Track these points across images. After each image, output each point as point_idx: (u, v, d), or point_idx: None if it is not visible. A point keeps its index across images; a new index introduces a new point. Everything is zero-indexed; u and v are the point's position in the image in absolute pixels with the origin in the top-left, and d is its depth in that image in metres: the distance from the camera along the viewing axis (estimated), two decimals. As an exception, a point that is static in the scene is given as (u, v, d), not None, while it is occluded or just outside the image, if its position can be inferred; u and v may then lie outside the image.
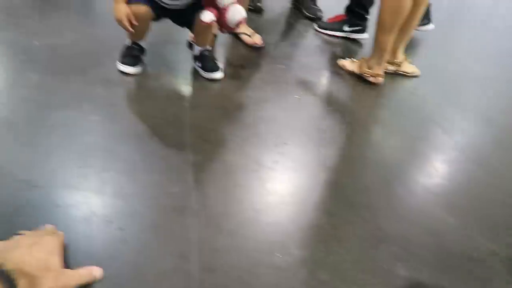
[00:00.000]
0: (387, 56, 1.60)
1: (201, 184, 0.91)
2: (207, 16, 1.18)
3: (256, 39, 1.70)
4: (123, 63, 1.28)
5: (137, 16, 1.16)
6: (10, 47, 1.30)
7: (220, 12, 1.20)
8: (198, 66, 1.40)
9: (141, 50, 1.32)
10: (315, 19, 2.32)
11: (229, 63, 1.56)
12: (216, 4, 1.19)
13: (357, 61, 1.69)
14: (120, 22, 1.15)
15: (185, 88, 1.33)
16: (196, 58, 1.40)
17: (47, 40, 1.38)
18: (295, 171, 1.05)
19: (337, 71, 1.71)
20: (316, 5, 2.39)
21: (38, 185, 0.81)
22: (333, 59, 1.79)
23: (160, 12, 1.24)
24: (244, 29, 1.65)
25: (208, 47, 1.39)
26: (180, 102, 1.22)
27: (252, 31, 1.70)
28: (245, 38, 1.69)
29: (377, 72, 1.61)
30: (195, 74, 1.40)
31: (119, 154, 0.95)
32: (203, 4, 1.21)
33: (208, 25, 1.24)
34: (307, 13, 2.35)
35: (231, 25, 1.22)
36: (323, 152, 1.14)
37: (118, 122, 1.06)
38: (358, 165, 1.13)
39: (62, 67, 1.24)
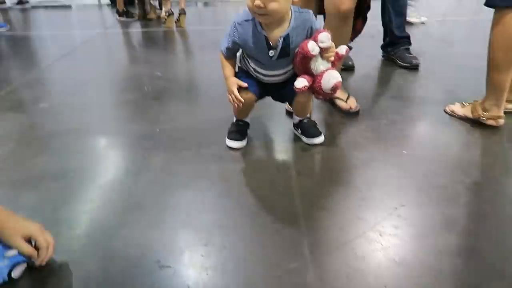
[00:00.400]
0: (505, 95, 1.44)
1: (318, 257, 0.88)
2: (301, 82, 1.19)
3: (351, 103, 1.63)
4: (230, 138, 1.37)
5: (243, 102, 1.25)
6: (136, 136, 1.49)
7: (315, 79, 1.21)
8: (299, 133, 1.42)
9: (246, 124, 1.41)
10: (412, 67, 2.25)
11: (328, 126, 1.56)
12: (311, 72, 1.21)
13: (468, 104, 1.55)
14: (231, 93, 1.25)
15: (290, 156, 1.36)
16: (296, 125, 1.43)
17: (166, 125, 1.56)
18: (421, 237, 0.95)
19: (445, 119, 1.59)
20: (410, 53, 2.32)
21: (167, 265, 0.86)
22: (438, 106, 1.67)
23: (262, 92, 1.32)
24: (338, 94, 1.60)
25: (308, 116, 1.42)
26: (286, 171, 1.24)
27: (347, 95, 1.64)
28: (340, 103, 1.64)
29: (497, 114, 1.45)
30: (297, 140, 1.42)
31: (236, 229, 0.98)
32: (298, 74, 1.25)
33: (305, 96, 1.28)
34: (402, 63, 2.30)
35: (327, 91, 1.21)
36: (448, 212, 1.02)
37: (231, 196, 1.12)
38: (495, 225, 0.98)
39: (179, 149, 1.37)
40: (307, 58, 1.16)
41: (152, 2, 4.50)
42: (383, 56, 2.47)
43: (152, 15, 4.62)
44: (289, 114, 1.54)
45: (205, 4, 6.06)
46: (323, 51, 1.17)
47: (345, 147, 1.40)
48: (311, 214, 1.02)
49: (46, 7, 5.86)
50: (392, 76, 2.22)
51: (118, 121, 1.69)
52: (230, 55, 1.28)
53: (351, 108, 1.62)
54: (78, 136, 1.49)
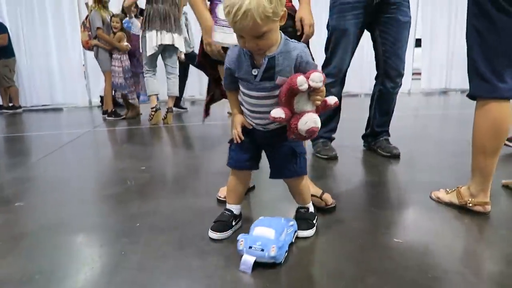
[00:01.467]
0: (491, 179, 1.44)
1: None
2: (277, 112, 1.13)
3: (327, 199, 1.55)
4: (212, 229, 1.31)
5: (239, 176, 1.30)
6: (115, 231, 1.41)
7: (293, 117, 1.15)
8: None
9: (233, 216, 1.35)
10: (393, 156, 2.32)
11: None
12: (293, 108, 1.15)
13: (452, 190, 1.55)
14: (235, 129, 1.26)
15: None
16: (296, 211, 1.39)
17: (146, 219, 1.49)
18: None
19: (432, 204, 1.58)
20: (390, 143, 2.42)
21: None
22: (423, 193, 1.67)
23: (254, 155, 1.33)
24: (312, 190, 1.53)
25: (307, 205, 1.38)
26: (272, 264, 1.15)
27: (321, 191, 1.56)
28: (314, 200, 1.51)
29: (483, 200, 1.44)
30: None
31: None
32: (280, 106, 1.18)
33: (295, 180, 1.30)
34: (383, 153, 2.37)
35: (301, 132, 1.14)
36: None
37: (214, 296, 1.01)
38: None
39: (160, 244, 1.29)
40: (293, 91, 1.10)
41: (130, 100, 4.69)
42: (364, 145, 2.55)
43: (132, 113, 4.75)
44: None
45: (192, 103, 6.39)
46: (312, 91, 1.13)
47: (334, 238, 1.34)
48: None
49: (37, 110, 6.08)
50: (374, 164, 2.26)
51: (97, 216, 1.61)
52: (230, 87, 1.27)
53: (326, 204, 1.53)
54: (51, 234, 1.40)
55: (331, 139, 2.47)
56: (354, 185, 1.89)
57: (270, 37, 1.08)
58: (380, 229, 1.38)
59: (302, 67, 1.14)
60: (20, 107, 5.92)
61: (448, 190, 1.58)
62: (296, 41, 1.19)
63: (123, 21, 4.58)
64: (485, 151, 1.40)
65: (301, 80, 1.08)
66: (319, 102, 1.15)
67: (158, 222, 1.47)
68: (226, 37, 1.41)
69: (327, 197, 1.56)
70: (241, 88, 1.24)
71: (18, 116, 5.46)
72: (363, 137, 2.55)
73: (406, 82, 7.47)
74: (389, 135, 2.46)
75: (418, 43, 7.60)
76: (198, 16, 1.49)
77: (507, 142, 2.24)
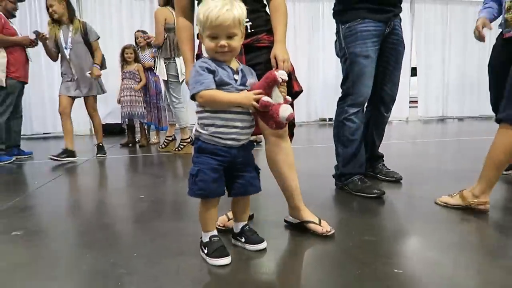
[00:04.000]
0: (493, 186, 1.76)
1: None
2: (265, 97, 1.26)
3: (325, 226, 1.55)
4: (215, 257, 1.32)
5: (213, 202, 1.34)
6: (110, 263, 1.39)
7: (274, 107, 1.26)
8: (242, 242, 1.43)
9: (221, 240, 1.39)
10: (396, 181, 2.41)
11: (310, 245, 1.51)
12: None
13: (455, 194, 1.85)
14: (255, 101, 1.29)
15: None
16: (238, 234, 1.45)
17: (143, 250, 1.48)
18: None
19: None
20: (388, 168, 2.48)
21: None
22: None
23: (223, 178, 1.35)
24: (309, 217, 1.57)
25: (248, 222, 1.47)
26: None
27: (318, 218, 1.58)
28: (314, 227, 1.56)
29: (485, 200, 1.76)
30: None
31: None
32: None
33: (244, 199, 1.42)
34: (385, 177, 2.45)
35: (282, 120, 1.26)
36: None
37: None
38: None
39: (156, 276, 1.27)
40: (275, 83, 1.27)
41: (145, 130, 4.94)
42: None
43: (143, 142, 4.93)
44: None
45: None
46: (280, 85, 1.28)
47: (331, 269, 1.33)
48: None
49: (38, 138, 6.12)
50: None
51: (92, 248, 1.58)
52: (211, 85, 1.26)
53: (327, 231, 1.53)
54: (42, 267, 1.39)
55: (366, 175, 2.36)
56: (350, 213, 1.88)
57: (238, 40, 1.28)
58: (381, 259, 1.36)
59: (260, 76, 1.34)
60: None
61: (451, 194, 1.87)
62: None
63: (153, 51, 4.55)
64: (498, 165, 1.72)
65: (281, 72, 1.27)
66: (285, 94, 1.30)
67: (154, 253, 1.45)
68: None
69: (325, 224, 1.56)
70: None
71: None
72: (372, 167, 2.55)
73: (404, 110, 7.60)
74: (383, 161, 2.54)
75: (413, 72, 7.78)
76: (182, 53, 1.58)
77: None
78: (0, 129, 3.81)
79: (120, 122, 5.06)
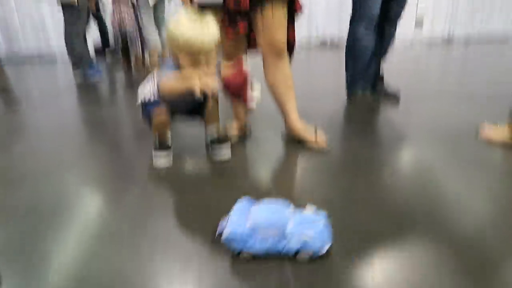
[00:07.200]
0: None
1: None
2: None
3: (320, 142, 1.59)
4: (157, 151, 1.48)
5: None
6: (114, 172, 1.43)
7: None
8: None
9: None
10: (395, 100, 2.43)
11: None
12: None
13: (503, 127, 1.49)
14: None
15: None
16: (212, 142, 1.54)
17: (144, 161, 1.52)
18: None
19: (480, 147, 1.46)
20: (388, 88, 2.48)
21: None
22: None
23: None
24: (306, 135, 1.62)
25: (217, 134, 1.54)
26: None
27: (315, 130, 1.62)
28: (308, 143, 1.60)
29: None
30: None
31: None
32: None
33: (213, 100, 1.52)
34: (385, 96, 2.46)
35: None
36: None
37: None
38: None
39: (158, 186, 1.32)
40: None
41: (138, 51, 4.57)
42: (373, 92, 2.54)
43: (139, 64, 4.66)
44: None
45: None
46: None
47: (327, 177, 1.37)
48: None
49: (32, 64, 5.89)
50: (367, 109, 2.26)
51: (94, 158, 1.63)
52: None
53: (322, 148, 1.57)
54: (53, 173, 1.44)
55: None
56: (356, 125, 1.89)
57: (214, 53, 1.36)
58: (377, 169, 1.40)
59: None
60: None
61: (497, 124, 1.52)
62: None
63: None
64: None
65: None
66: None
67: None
68: None
69: (321, 140, 1.59)
70: None
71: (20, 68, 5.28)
72: (373, 86, 2.53)
73: (409, 31, 7.28)
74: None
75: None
76: None
77: None
78: (83, 46, 3.82)
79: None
